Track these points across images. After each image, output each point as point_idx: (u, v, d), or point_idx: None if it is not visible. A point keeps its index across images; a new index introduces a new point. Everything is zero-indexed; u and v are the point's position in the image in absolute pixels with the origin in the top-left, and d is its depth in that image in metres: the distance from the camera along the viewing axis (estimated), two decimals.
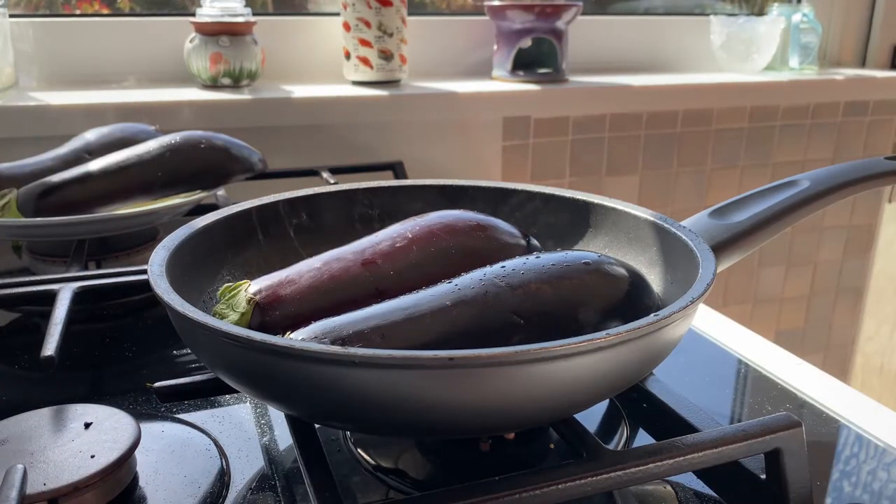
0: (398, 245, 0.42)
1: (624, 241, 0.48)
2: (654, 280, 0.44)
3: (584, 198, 0.50)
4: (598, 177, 1.15)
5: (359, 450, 0.41)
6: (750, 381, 0.50)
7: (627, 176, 1.18)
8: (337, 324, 0.34)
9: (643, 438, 0.43)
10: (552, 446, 0.42)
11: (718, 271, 0.39)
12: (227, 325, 0.32)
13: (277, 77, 1.07)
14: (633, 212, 0.48)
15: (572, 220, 0.51)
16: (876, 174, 0.46)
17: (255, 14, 1.01)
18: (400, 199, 0.53)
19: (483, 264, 0.39)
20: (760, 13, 1.34)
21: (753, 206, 0.45)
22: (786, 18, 1.23)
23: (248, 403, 0.46)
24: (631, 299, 0.38)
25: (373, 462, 0.40)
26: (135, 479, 0.37)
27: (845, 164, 0.47)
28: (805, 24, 1.23)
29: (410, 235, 0.42)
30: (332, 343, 0.33)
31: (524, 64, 1.13)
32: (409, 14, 1.06)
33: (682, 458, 0.34)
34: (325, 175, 0.85)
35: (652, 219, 0.46)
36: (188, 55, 0.99)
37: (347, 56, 1.05)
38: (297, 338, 0.34)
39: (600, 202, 0.50)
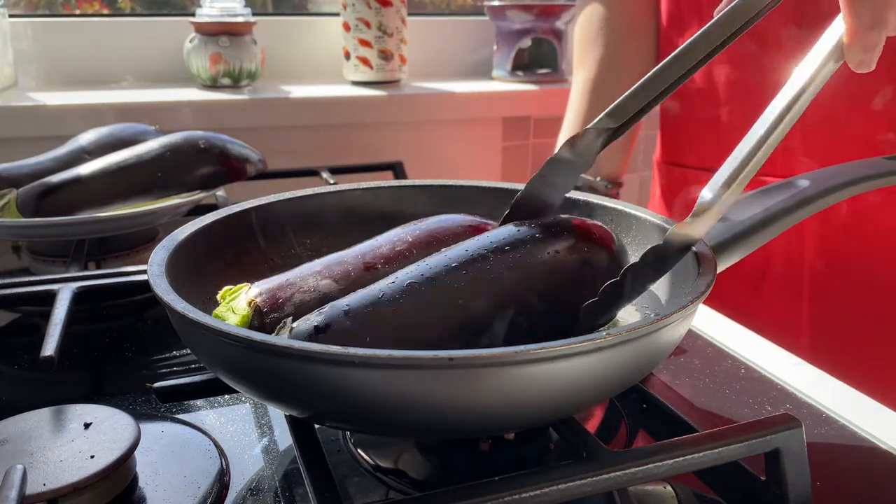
0: (398, 248, 0.42)
1: (625, 241, 0.48)
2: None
3: (585, 198, 0.50)
4: None
5: (359, 450, 0.41)
6: (750, 381, 0.50)
7: (627, 176, 1.17)
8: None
9: (643, 438, 0.43)
10: (552, 446, 0.42)
11: (718, 272, 0.39)
12: (227, 326, 0.32)
13: (277, 77, 1.07)
14: (633, 212, 0.48)
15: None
16: (876, 174, 0.45)
17: (254, 14, 1.01)
18: (400, 200, 0.52)
19: None
20: None
21: (754, 206, 0.45)
22: None
23: (248, 403, 0.46)
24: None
25: (372, 462, 0.40)
26: (134, 479, 0.37)
27: (846, 164, 0.47)
28: None
29: (411, 239, 0.43)
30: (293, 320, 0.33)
31: (524, 64, 1.13)
32: (409, 14, 1.06)
33: (681, 458, 0.34)
34: (325, 175, 0.85)
35: (653, 219, 0.46)
36: (188, 55, 0.99)
37: (347, 56, 1.05)
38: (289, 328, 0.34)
39: (601, 202, 0.50)
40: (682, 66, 0.41)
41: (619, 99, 0.42)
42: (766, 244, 0.73)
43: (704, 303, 0.61)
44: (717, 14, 0.41)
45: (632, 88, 0.42)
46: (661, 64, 0.41)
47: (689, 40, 0.41)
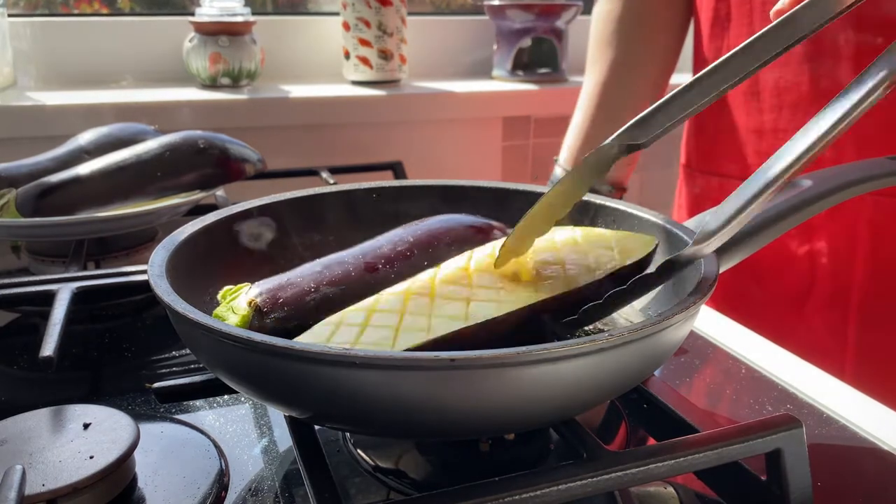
0: (399, 249, 0.42)
1: None
2: None
3: (586, 198, 0.50)
4: None
5: (359, 451, 0.40)
6: (750, 381, 0.50)
7: None
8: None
9: (644, 439, 0.43)
10: (552, 447, 0.42)
11: (720, 272, 0.39)
12: (227, 326, 0.32)
13: (277, 77, 1.07)
14: (634, 212, 0.48)
15: (574, 221, 0.51)
16: (879, 174, 0.45)
17: (254, 14, 1.01)
18: (400, 200, 0.52)
19: None
20: None
21: None
22: None
23: (247, 403, 0.46)
24: None
25: (373, 463, 0.40)
26: (134, 479, 0.37)
27: (848, 165, 0.47)
28: None
29: (412, 239, 0.43)
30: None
31: (524, 64, 1.13)
32: (409, 14, 1.06)
33: (682, 458, 0.33)
34: (325, 175, 0.85)
35: (654, 219, 0.46)
36: (187, 55, 0.99)
37: (347, 56, 1.05)
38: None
39: (602, 203, 0.50)
40: (723, 78, 0.36)
41: (648, 110, 0.38)
42: (811, 265, 0.71)
43: (731, 316, 0.61)
44: (774, 15, 0.37)
45: (664, 98, 0.37)
46: (701, 73, 0.37)
47: (737, 48, 0.36)
